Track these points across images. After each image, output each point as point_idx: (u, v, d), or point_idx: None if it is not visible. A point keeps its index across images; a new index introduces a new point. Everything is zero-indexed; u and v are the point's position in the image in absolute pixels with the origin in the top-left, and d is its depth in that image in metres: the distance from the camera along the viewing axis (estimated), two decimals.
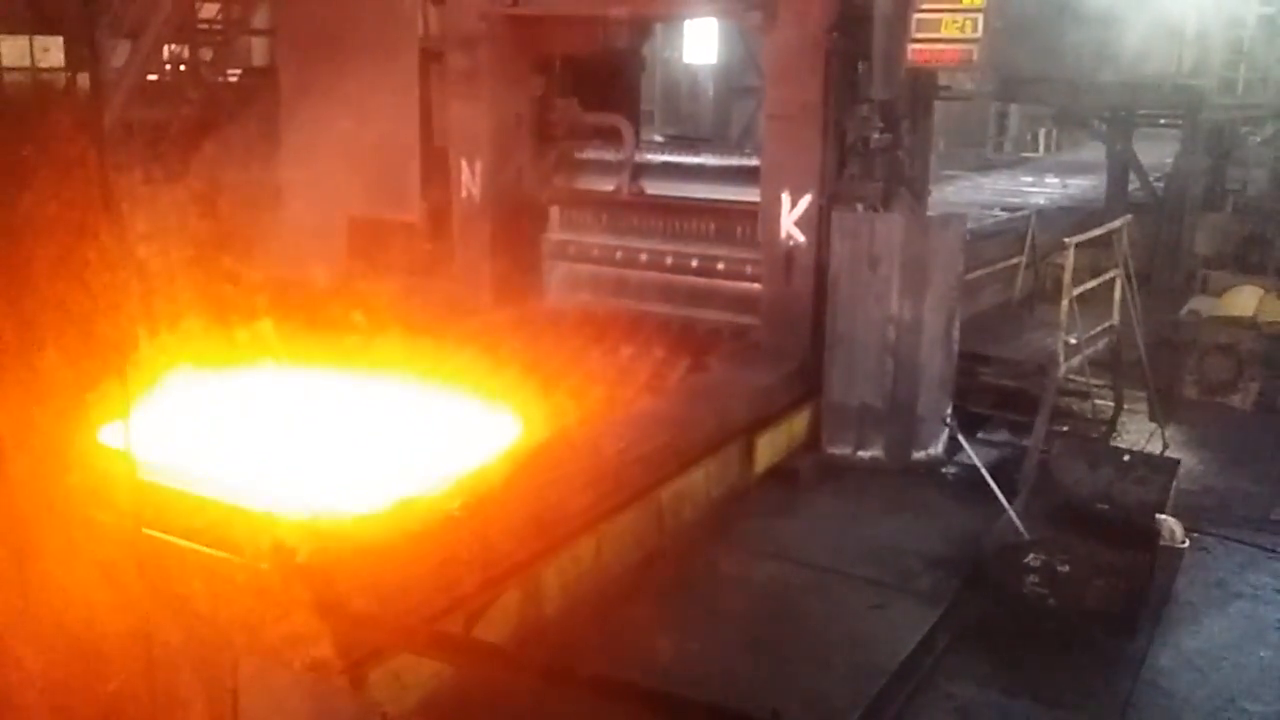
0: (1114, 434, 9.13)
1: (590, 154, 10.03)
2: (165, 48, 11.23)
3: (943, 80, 9.34)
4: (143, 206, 9.74)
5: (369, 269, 10.24)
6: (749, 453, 7.62)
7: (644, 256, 9.66)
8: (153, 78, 11.14)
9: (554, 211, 10.25)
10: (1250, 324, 10.43)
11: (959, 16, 7.59)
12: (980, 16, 7.55)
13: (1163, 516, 6.76)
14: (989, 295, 10.02)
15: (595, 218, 10.04)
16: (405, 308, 8.64)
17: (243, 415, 6.35)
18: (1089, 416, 9.22)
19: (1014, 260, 10.28)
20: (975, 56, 7.67)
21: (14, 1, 9.23)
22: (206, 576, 4.51)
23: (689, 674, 4.98)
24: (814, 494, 7.74)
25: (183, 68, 11.61)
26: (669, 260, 9.51)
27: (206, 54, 11.66)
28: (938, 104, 9.28)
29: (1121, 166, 14.30)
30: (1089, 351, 8.61)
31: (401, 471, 5.69)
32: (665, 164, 9.72)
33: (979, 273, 9.53)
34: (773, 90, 8.57)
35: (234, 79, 12.02)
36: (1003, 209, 12.91)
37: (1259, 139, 14.80)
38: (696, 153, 9.93)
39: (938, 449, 8.19)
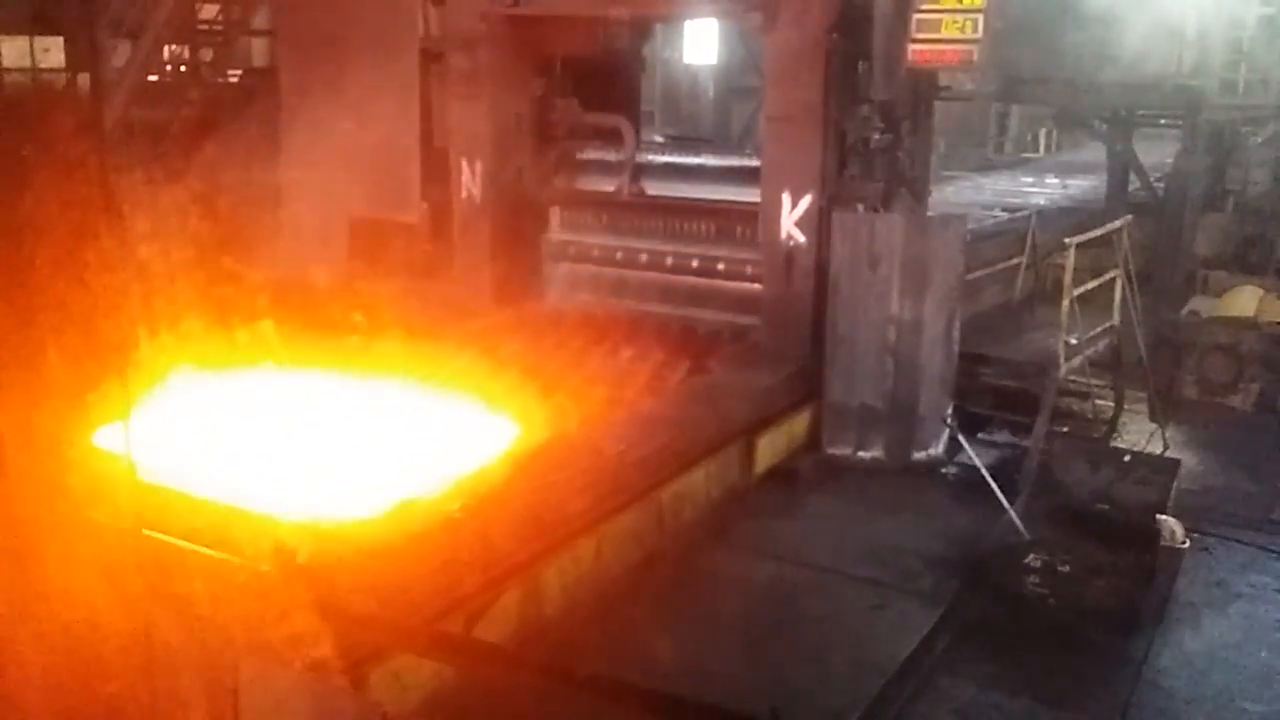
0: (1114, 434, 9.12)
1: (591, 154, 10.03)
2: (165, 48, 11.23)
3: (943, 81, 9.34)
4: (143, 207, 9.72)
5: (369, 270, 10.23)
6: (749, 453, 7.62)
7: (644, 257, 9.66)
8: (153, 78, 11.14)
9: (554, 212, 10.26)
10: (1251, 324, 10.42)
11: (959, 17, 7.60)
12: (980, 17, 7.55)
13: (1163, 517, 6.76)
14: (989, 296, 10.02)
15: (596, 218, 10.04)
16: (405, 308, 8.64)
17: (243, 417, 6.35)
18: (1089, 417, 9.22)
19: (1014, 261, 10.28)
20: (975, 57, 7.67)
21: (15, 2, 9.24)
22: (207, 577, 4.51)
23: (689, 674, 4.97)
24: (814, 494, 7.73)
25: (183, 68, 11.61)
26: (669, 261, 9.52)
27: (207, 54, 11.67)
28: (938, 104, 9.28)
29: (1122, 167, 14.29)
30: (1089, 352, 8.61)
31: (402, 473, 5.70)
32: (666, 164, 9.73)
33: (979, 273, 9.54)
34: (773, 91, 8.57)
35: (234, 80, 12.02)
36: (1003, 209, 12.92)
37: (1259, 139, 14.78)
38: (697, 153, 9.94)
39: (938, 449, 8.19)
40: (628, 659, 5.06)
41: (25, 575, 4.59)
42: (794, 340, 8.41)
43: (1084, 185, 15.98)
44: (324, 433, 6.29)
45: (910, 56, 7.77)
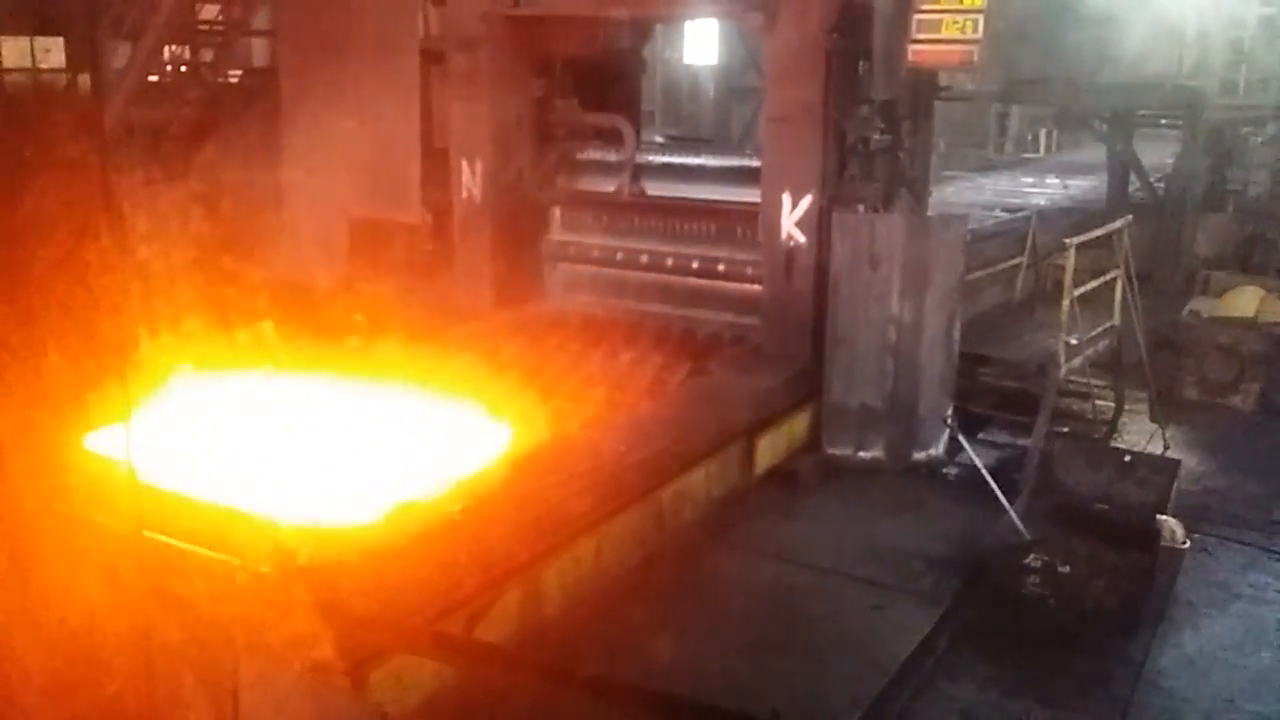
0: (1115, 435, 9.12)
1: (591, 155, 10.03)
2: (166, 49, 11.24)
3: (943, 81, 9.34)
4: (143, 207, 9.74)
5: (370, 270, 10.24)
6: (749, 454, 7.62)
7: (645, 258, 9.66)
8: (153, 79, 11.15)
9: (555, 212, 10.26)
10: (1251, 325, 10.42)
11: (959, 17, 7.59)
12: (981, 17, 7.55)
13: (1163, 517, 6.76)
14: (990, 296, 10.02)
15: (596, 219, 10.04)
16: (406, 309, 8.64)
17: (243, 418, 6.35)
18: (1090, 417, 9.21)
19: (1015, 261, 10.28)
20: (976, 57, 7.66)
21: (16, 2, 9.24)
22: (207, 578, 4.51)
23: (689, 674, 4.98)
24: (814, 495, 7.73)
25: (183, 69, 11.61)
26: (670, 261, 9.52)
27: (207, 55, 11.67)
28: (938, 104, 9.28)
29: (1122, 167, 14.32)
30: (1090, 352, 8.60)
31: (402, 475, 5.69)
32: (666, 165, 9.72)
33: (980, 273, 9.53)
34: (773, 91, 8.57)
35: (234, 80, 12.02)
36: (1003, 210, 12.92)
37: (1260, 139, 14.81)
38: (697, 154, 9.92)
39: (938, 450, 8.19)
40: (628, 659, 5.07)
41: (25, 576, 4.59)
42: (794, 340, 8.41)
43: (1084, 185, 15.99)
44: (323, 435, 6.29)
45: (910, 57, 7.77)
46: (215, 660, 4.37)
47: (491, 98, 9.69)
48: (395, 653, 4.56)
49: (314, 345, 7.16)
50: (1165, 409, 9.44)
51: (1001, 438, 8.61)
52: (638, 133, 10.02)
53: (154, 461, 4.75)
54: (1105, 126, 14.33)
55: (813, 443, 8.29)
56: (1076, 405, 9.32)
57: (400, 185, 10.46)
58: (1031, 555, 6.41)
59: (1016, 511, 6.98)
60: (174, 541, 4.59)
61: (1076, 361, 8.40)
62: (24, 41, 9.18)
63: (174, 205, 9.92)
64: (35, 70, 9.20)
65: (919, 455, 8.18)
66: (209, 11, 11.69)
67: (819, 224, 8.23)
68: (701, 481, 7.08)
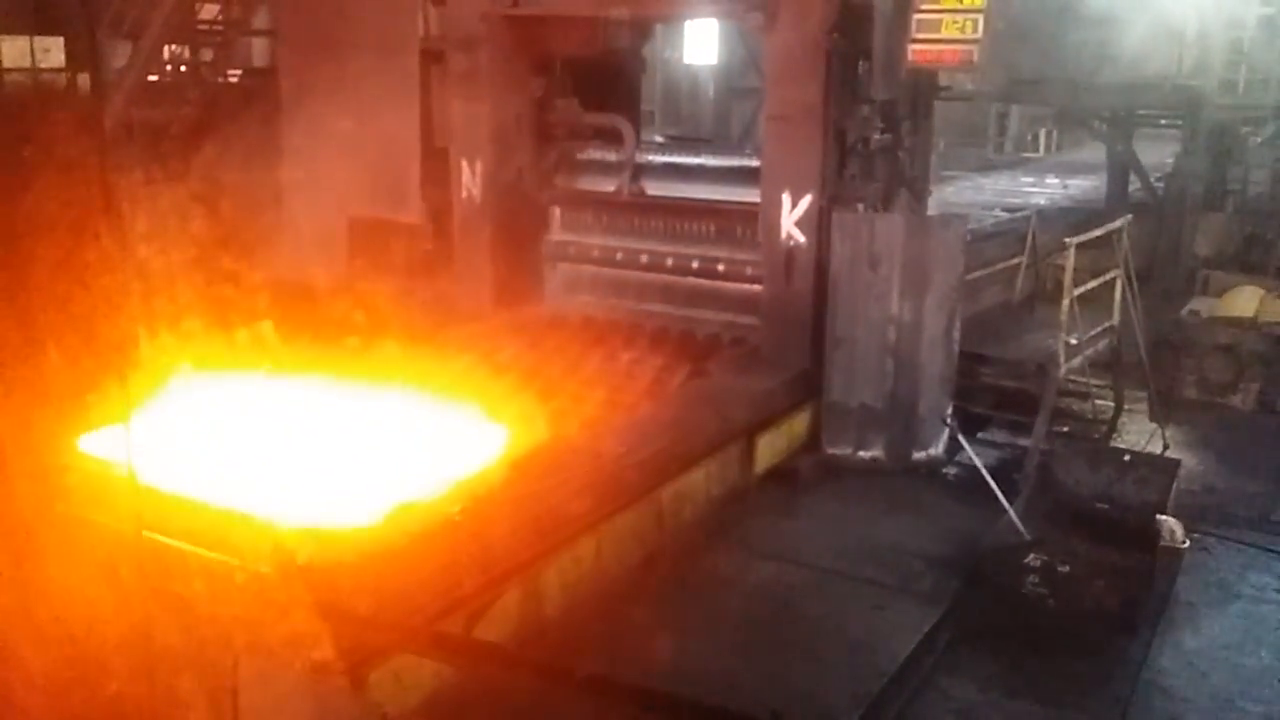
0: (1114, 434, 9.13)
1: (591, 155, 10.03)
2: (166, 48, 11.24)
3: (943, 81, 9.35)
4: (143, 207, 9.74)
5: (370, 270, 10.24)
6: (749, 453, 7.62)
7: (644, 258, 9.66)
8: (153, 78, 11.15)
9: (555, 212, 10.26)
10: (1251, 324, 10.42)
11: (959, 17, 7.59)
12: (981, 17, 7.54)
13: (1163, 517, 6.76)
14: (989, 295, 10.01)
15: (596, 219, 10.04)
16: (406, 309, 8.64)
17: (243, 419, 6.34)
18: (1089, 417, 9.22)
19: (1014, 260, 10.28)
20: (976, 57, 7.66)
21: (16, 2, 9.25)
22: (207, 578, 4.51)
23: (689, 674, 4.98)
24: (814, 494, 7.73)
25: (183, 68, 11.61)
26: (669, 261, 9.51)
27: (207, 55, 11.67)
28: (938, 104, 9.28)
29: (1122, 167, 14.32)
30: (1089, 352, 8.61)
31: (402, 476, 5.69)
32: (666, 165, 9.72)
33: (979, 273, 9.53)
34: (773, 91, 8.57)
35: (234, 80, 12.02)
36: (1003, 209, 12.92)
37: (1259, 139, 14.80)
38: (697, 153, 9.92)
39: (938, 449, 8.19)
40: (628, 658, 5.07)
41: (25, 575, 4.59)
42: (794, 340, 8.41)
43: (1084, 185, 16.00)
44: (323, 436, 6.28)
45: (910, 57, 7.77)
46: (215, 660, 4.37)
47: (491, 97, 9.69)
48: (395, 652, 4.56)
49: (314, 345, 7.15)
50: (1165, 409, 9.44)
51: (1001, 437, 8.62)
52: (637, 132, 10.02)
53: (154, 462, 4.75)
54: (1105, 126, 14.33)
55: (812, 442, 8.28)
56: (1076, 405, 9.33)
57: (400, 185, 10.46)
58: (1031, 555, 6.40)
59: (1016, 511, 6.98)
60: (174, 542, 4.59)
61: (1076, 361, 8.40)
62: (24, 41, 9.18)
63: (174, 205, 9.92)
64: (35, 70, 9.20)
65: (919, 455, 8.18)
66: (209, 11, 11.70)
67: (819, 224, 8.23)
68: (701, 481, 7.08)
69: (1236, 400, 10.11)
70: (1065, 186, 16.04)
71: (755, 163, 8.84)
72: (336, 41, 10.47)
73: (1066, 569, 6.26)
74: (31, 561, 4.55)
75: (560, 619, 5.69)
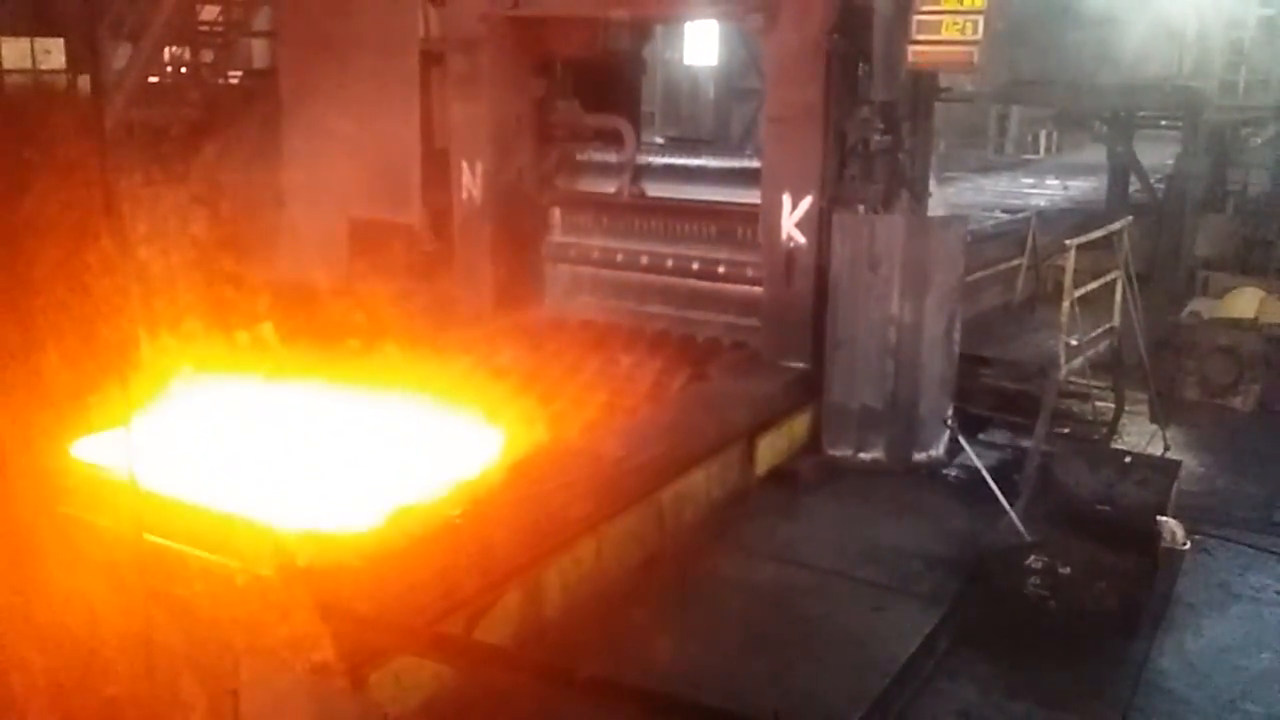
0: (1115, 436, 9.12)
1: (591, 156, 10.03)
2: (166, 50, 11.25)
3: (944, 82, 9.34)
4: (144, 209, 9.74)
5: (370, 271, 10.24)
6: (750, 455, 7.62)
7: (645, 259, 9.66)
8: (154, 80, 11.15)
9: (555, 214, 10.26)
10: (1251, 326, 10.43)
11: (959, 18, 7.59)
12: (981, 18, 7.54)
13: (1164, 518, 6.76)
14: (990, 297, 10.02)
15: (596, 220, 10.04)
16: (406, 311, 8.64)
17: (244, 421, 6.35)
18: (1090, 418, 9.22)
19: (1015, 262, 10.29)
20: (976, 58, 7.65)
21: (16, 3, 9.24)
22: (208, 580, 4.51)
23: (689, 675, 4.97)
24: (815, 496, 7.73)
25: (184, 70, 11.62)
26: (670, 263, 9.51)
27: (207, 56, 11.68)
28: (938, 106, 9.27)
29: (1122, 168, 14.33)
30: (1090, 353, 8.60)
31: (402, 479, 5.69)
32: (666, 166, 9.72)
33: (980, 274, 9.53)
34: (773, 92, 8.57)
35: (235, 81, 12.03)
36: (1003, 211, 12.93)
37: (1259, 140, 14.82)
38: (697, 155, 9.92)
39: (939, 451, 8.19)
40: (628, 660, 5.06)
41: (26, 577, 4.59)
42: (794, 342, 8.41)
43: (1084, 186, 16.02)
44: (324, 439, 6.28)
45: (911, 58, 7.76)
46: (216, 662, 4.37)
47: (492, 98, 9.69)
48: (395, 654, 4.56)
49: (314, 347, 7.15)
50: (1165, 410, 9.44)
51: (1002, 439, 8.61)
52: (638, 134, 10.02)
53: (155, 464, 4.75)
54: (1105, 127, 14.35)
55: (813, 444, 8.28)
56: (1077, 406, 9.32)
57: (400, 186, 10.47)
58: (1032, 556, 6.40)
59: (1017, 512, 6.98)
60: (175, 544, 4.59)
61: (1077, 362, 8.40)
62: (24, 42, 9.17)
63: (174, 207, 9.93)
64: (35, 71, 9.19)
65: (919, 456, 8.18)
66: (209, 12, 11.70)
67: (819, 225, 8.23)
68: (702, 483, 7.08)
69: (1237, 401, 10.11)
70: (1065, 188, 16.07)
71: (755, 164, 8.84)
72: (337, 43, 10.48)
73: (1067, 570, 6.25)
74: (32, 563, 4.55)
75: (561, 620, 5.69)
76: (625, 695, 3.64)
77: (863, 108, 8.12)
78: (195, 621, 4.46)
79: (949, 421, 8.09)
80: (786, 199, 8.32)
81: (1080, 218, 12.45)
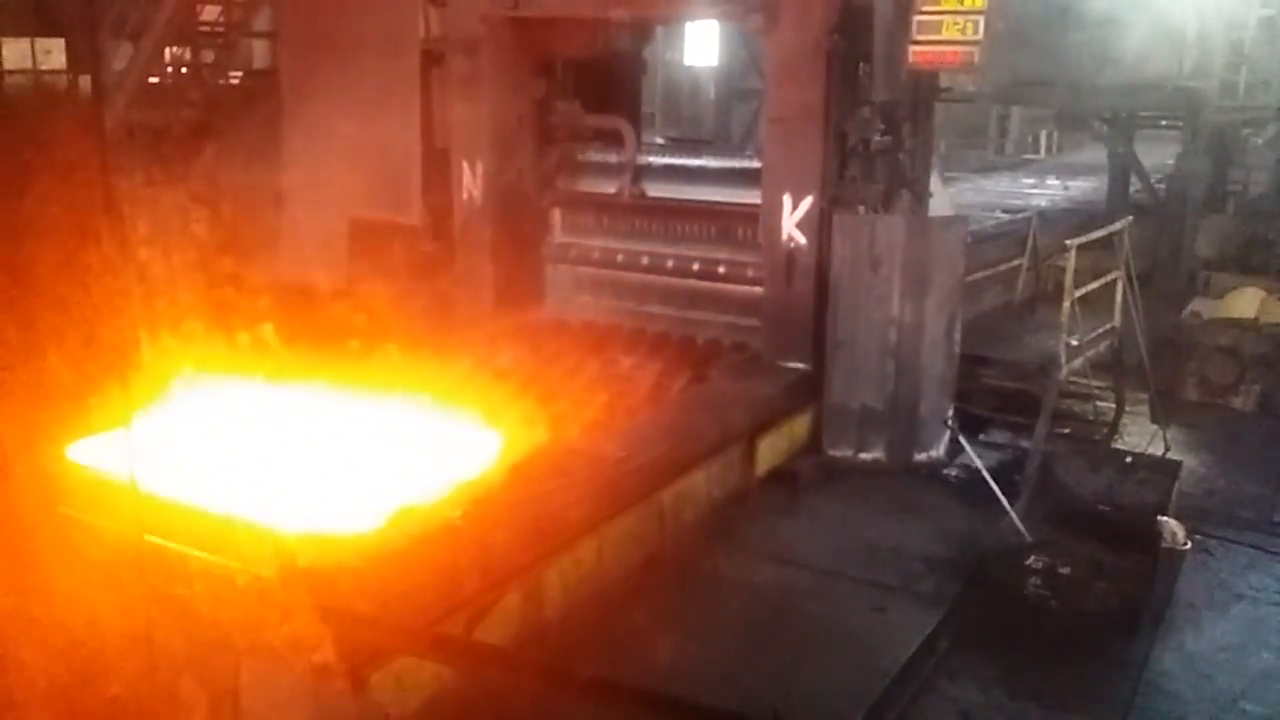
0: (1115, 436, 9.12)
1: (592, 156, 10.03)
2: (167, 50, 11.24)
3: (944, 82, 9.34)
4: (144, 209, 9.74)
5: (370, 272, 10.24)
6: (750, 455, 7.62)
7: (645, 259, 9.66)
8: (154, 80, 11.14)
9: (556, 214, 10.26)
10: (1252, 326, 10.42)
11: (960, 19, 7.59)
12: (981, 19, 7.54)
13: (1164, 518, 6.75)
14: (990, 297, 10.02)
15: (596, 220, 10.04)
16: (406, 311, 8.64)
17: (244, 422, 6.35)
18: (1090, 418, 9.22)
19: (1015, 262, 10.29)
20: (976, 59, 7.66)
21: (17, 4, 9.25)
22: (208, 581, 4.51)
23: (689, 676, 4.98)
24: (815, 496, 7.73)
25: (184, 70, 11.61)
26: (670, 263, 9.52)
27: (208, 56, 11.67)
28: (939, 106, 9.27)
29: (1123, 168, 14.33)
30: (1090, 353, 8.60)
31: (403, 480, 5.69)
32: (667, 166, 9.72)
33: (980, 274, 9.53)
34: (774, 92, 8.57)
35: (235, 81, 12.02)
36: (1004, 211, 12.94)
37: (1260, 141, 14.82)
38: (698, 155, 9.93)
39: (939, 451, 8.19)
40: (628, 660, 5.06)
41: (26, 578, 4.59)
42: (795, 342, 8.41)
43: (1085, 187, 16.03)
44: (324, 440, 6.28)
45: (911, 58, 7.76)
46: (216, 663, 4.37)
47: (492, 99, 9.69)
48: (396, 654, 4.56)
49: (314, 348, 7.15)
50: (1166, 410, 9.44)
51: (1002, 439, 8.60)
52: (638, 134, 10.02)
53: (155, 465, 4.75)
54: (1106, 128, 14.34)
55: (814, 444, 8.28)
56: (1077, 406, 9.32)
57: (401, 187, 10.47)
58: (1032, 557, 6.40)
59: (1017, 513, 6.98)
60: (175, 545, 4.59)
61: (1077, 363, 8.40)
62: (25, 43, 9.18)
63: (174, 207, 9.93)
64: (36, 72, 9.20)
65: (920, 456, 8.18)
66: (210, 13, 11.69)
67: (820, 225, 8.23)
68: (702, 483, 7.08)
69: (1238, 402, 10.10)
70: (1066, 188, 16.07)
71: (756, 164, 8.85)
72: (337, 43, 10.47)
73: (1068, 570, 6.26)
74: (33, 564, 4.55)
75: (561, 621, 5.69)
76: (625, 696, 3.64)
77: (863, 108, 8.13)
78: (196, 622, 4.47)
79: (949, 422, 8.09)
80: (787, 199, 8.32)
81: (1081, 218, 12.46)
